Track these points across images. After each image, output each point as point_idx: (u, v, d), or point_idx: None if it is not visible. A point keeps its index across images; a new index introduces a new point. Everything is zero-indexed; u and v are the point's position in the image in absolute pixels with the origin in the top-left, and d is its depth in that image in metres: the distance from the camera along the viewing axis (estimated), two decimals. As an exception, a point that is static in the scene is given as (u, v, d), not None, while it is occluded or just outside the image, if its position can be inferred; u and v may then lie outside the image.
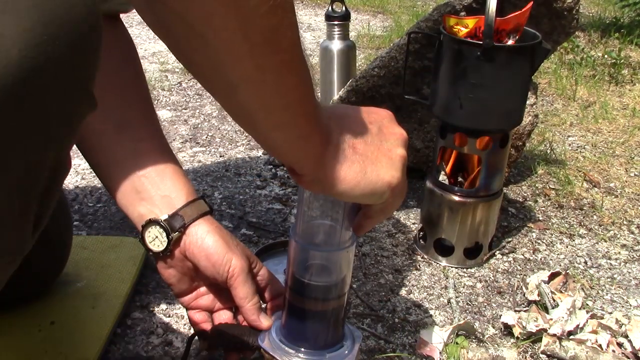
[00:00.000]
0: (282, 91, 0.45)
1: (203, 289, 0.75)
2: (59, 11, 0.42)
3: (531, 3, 0.94)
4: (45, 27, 0.41)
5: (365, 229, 0.62)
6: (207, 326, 0.73)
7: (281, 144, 0.49)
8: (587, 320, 0.90)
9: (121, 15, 0.79)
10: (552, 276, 1.00)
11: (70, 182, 1.29)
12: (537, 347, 0.87)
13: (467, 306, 0.96)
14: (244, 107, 0.46)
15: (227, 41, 0.40)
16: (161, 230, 0.68)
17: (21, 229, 0.46)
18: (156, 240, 0.69)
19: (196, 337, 0.75)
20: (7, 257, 0.47)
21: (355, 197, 0.55)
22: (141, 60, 0.82)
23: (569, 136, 1.67)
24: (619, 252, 1.14)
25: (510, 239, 1.16)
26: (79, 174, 1.32)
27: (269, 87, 0.44)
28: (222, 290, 0.73)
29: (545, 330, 0.87)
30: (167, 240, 0.69)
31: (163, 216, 0.69)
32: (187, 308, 0.75)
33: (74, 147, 0.59)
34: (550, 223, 1.22)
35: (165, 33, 0.42)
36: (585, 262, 1.10)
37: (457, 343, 0.86)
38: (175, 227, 0.69)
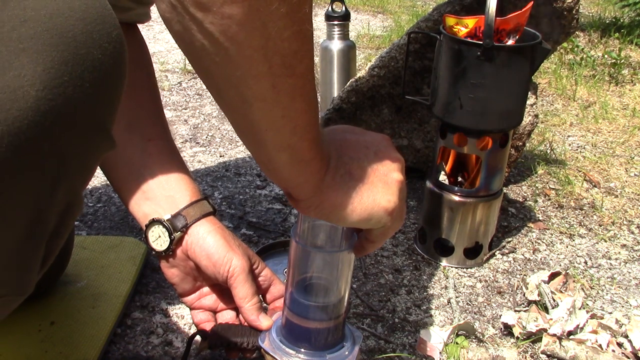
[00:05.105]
0: (292, 114, 0.46)
1: (206, 289, 0.75)
2: (82, 49, 0.41)
3: (531, 3, 0.94)
4: (66, 66, 0.40)
5: (367, 251, 0.63)
6: (210, 326, 0.73)
7: (283, 166, 0.50)
8: (587, 320, 0.90)
9: None
10: (552, 276, 1.00)
11: (70, 182, 1.29)
12: (537, 347, 0.87)
13: (467, 306, 0.96)
14: (253, 125, 0.46)
15: (249, 58, 0.40)
16: (164, 229, 0.69)
17: (28, 271, 0.46)
18: (159, 239, 0.70)
19: (197, 337, 0.75)
20: (13, 297, 0.47)
21: (352, 222, 0.55)
22: (141, 60, 0.82)
23: (569, 136, 1.67)
24: (619, 252, 1.14)
25: (510, 239, 1.16)
26: (79, 174, 1.32)
27: (281, 109, 0.45)
28: (225, 290, 0.73)
29: (545, 330, 0.87)
30: (169, 240, 0.69)
31: (166, 216, 0.70)
32: (191, 308, 0.76)
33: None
34: (550, 223, 1.22)
35: (189, 43, 0.41)
36: (585, 262, 1.10)
37: (457, 343, 0.86)
38: (177, 226, 0.69)
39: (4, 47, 0.38)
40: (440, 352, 0.84)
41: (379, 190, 0.54)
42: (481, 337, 0.89)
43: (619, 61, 2.22)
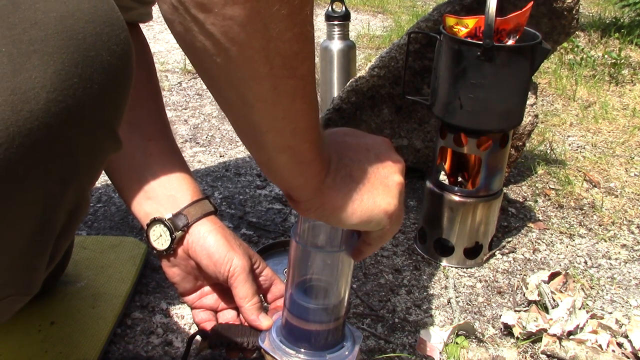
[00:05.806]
0: (293, 116, 0.46)
1: (207, 288, 0.75)
2: (91, 51, 0.42)
3: (531, 3, 0.94)
4: (76, 68, 0.41)
5: (364, 255, 0.62)
6: (211, 325, 0.73)
7: (283, 167, 0.50)
8: (587, 320, 0.90)
9: None
10: (552, 276, 1.00)
11: (70, 182, 1.28)
12: (537, 347, 0.87)
13: (467, 306, 0.96)
14: (254, 126, 0.46)
15: (250, 59, 0.40)
16: (165, 228, 0.69)
17: (36, 270, 0.47)
18: (160, 238, 0.70)
19: (197, 337, 0.75)
20: (19, 297, 0.47)
21: (352, 224, 0.55)
22: (141, 60, 0.83)
23: (569, 136, 1.67)
24: (619, 252, 1.14)
25: (510, 239, 1.16)
26: (79, 174, 1.32)
27: (282, 110, 0.45)
28: (226, 290, 0.73)
29: (545, 330, 0.87)
30: (170, 239, 0.69)
31: (167, 215, 0.70)
32: (192, 307, 0.76)
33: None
34: (550, 223, 1.22)
35: (190, 44, 0.42)
36: (585, 262, 1.10)
37: (457, 343, 0.86)
38: (178, 226, 0.70)
39: (16, 49, 0.38)
40: (440, 352, 0.84)
41: (380, 192, 0.54)
42: (481, 337, 0.89)
43: (619, 61, 2.22)
